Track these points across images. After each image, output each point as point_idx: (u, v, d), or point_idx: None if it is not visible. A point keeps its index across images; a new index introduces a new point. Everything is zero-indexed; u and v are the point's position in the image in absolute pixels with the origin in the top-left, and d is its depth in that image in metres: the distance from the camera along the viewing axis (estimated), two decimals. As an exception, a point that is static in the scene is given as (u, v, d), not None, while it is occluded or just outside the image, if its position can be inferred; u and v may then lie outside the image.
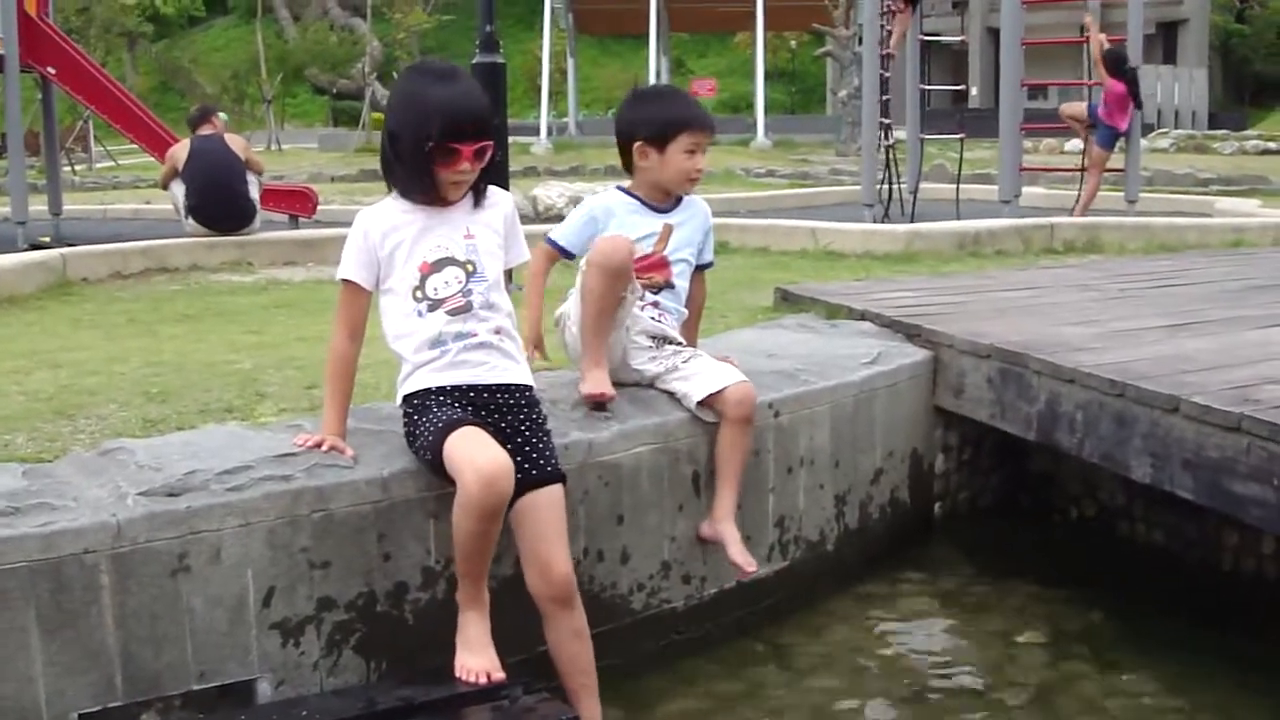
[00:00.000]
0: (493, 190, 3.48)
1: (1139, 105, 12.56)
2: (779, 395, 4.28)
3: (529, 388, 3.40)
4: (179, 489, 3.02)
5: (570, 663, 3.29)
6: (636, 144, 3.99)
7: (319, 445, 3.29)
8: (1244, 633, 4.25)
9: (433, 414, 3.21)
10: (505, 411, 3.31)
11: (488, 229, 3.41)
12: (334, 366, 3.38)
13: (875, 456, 4.77)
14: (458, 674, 3.14)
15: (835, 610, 4.35)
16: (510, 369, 3.35)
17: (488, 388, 3.30)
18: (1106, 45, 12.86)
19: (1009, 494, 5.52)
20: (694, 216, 4.18)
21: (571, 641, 3.29)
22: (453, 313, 3.29)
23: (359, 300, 3.37)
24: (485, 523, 3.07)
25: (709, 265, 4.31)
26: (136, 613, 2.93)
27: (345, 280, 3.36)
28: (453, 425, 3.14)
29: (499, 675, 3.14)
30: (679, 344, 4.04)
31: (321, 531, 3.16)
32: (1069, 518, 5.37)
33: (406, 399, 3.32)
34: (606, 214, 4.04)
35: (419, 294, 3.30)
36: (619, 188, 4.16)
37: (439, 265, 3.31)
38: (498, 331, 3.34)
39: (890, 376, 4.82)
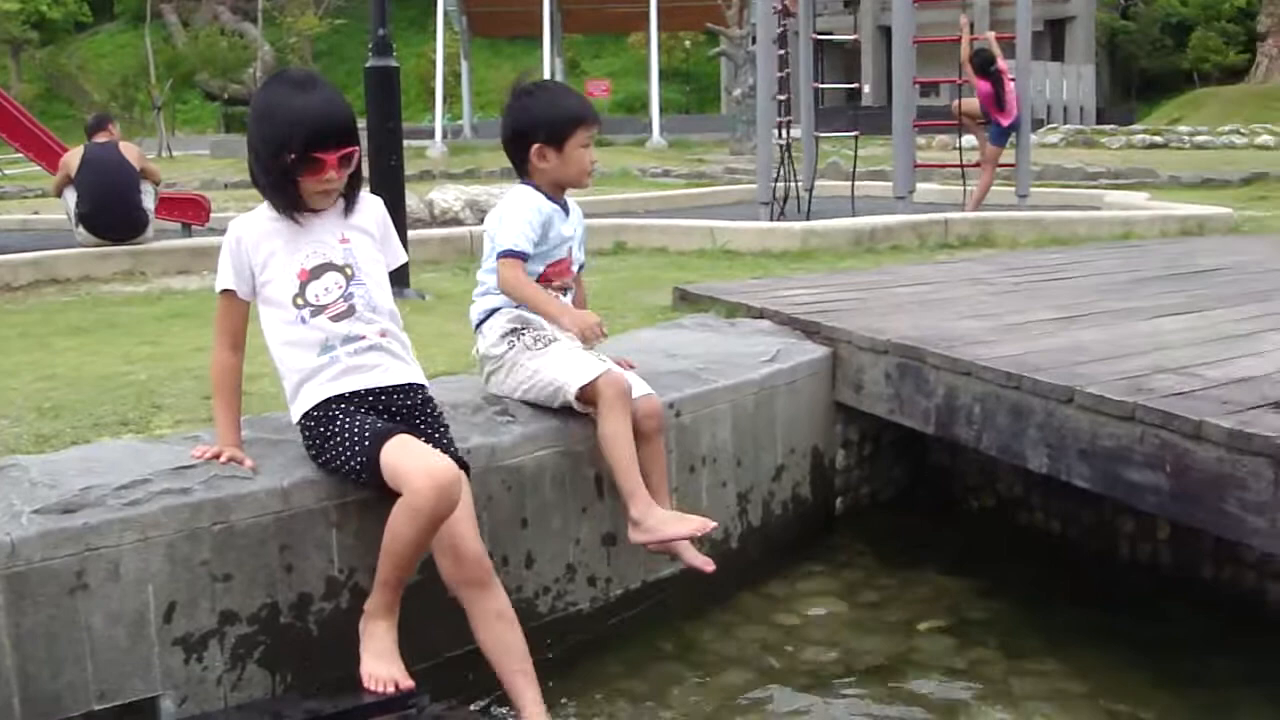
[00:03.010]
0: (363, 194, 3.47)
1: (1001, 107, 12.80)
2: (680, 395, 4.29)
3: (423, 386, 3.42)
4: (75, 505, 2.97)
5: (500, 648, 3.26)
6: (535, 146, 3.96)
7: (217, 457, 3.25)
8: (1142, 615, 4.34)
9: (345, 424, 3.19)
10: (406, 412, 3.32)
11: (362, 233, 3.41)
12: (220, 379, 3.36)
13: (777, 453, 4.80)
14: (365, 684, 3.12)
15: (741, 607, 4.37)
16: (402, 369, 3.36)
17: (385, 390, 3.30)
18: (982, 45, 13.11)
19: (909, 487, 5.58)
20: (579, 218, 4.19)
21: (496, 624, 3.26)
22: (336, 318, 3.28)
23: (238, 310, 3.36)
24: (431, 528, 3.08)
25: (582, 266, 4.28)
26: (33, 633, 2.88)
27: (223, 291, 3.34)
28: (385, 434, 3.14)
29: (407, 683, 3.12)
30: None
31: (222, 544, 3.12)
32: (969, 509, 5.44)
33: (306, 415, 3.29)
34: (547, 213, 3.99)
35: (299, 301, 3.28)
36: (533, 187, 4.04)
37: (317, 271, 3.30)
38: (383, 334, 3.34)
39: (790, 374, 4.86)
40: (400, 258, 3.59)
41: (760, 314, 5.61)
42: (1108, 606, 4.42)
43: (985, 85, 12.74)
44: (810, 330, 5.28)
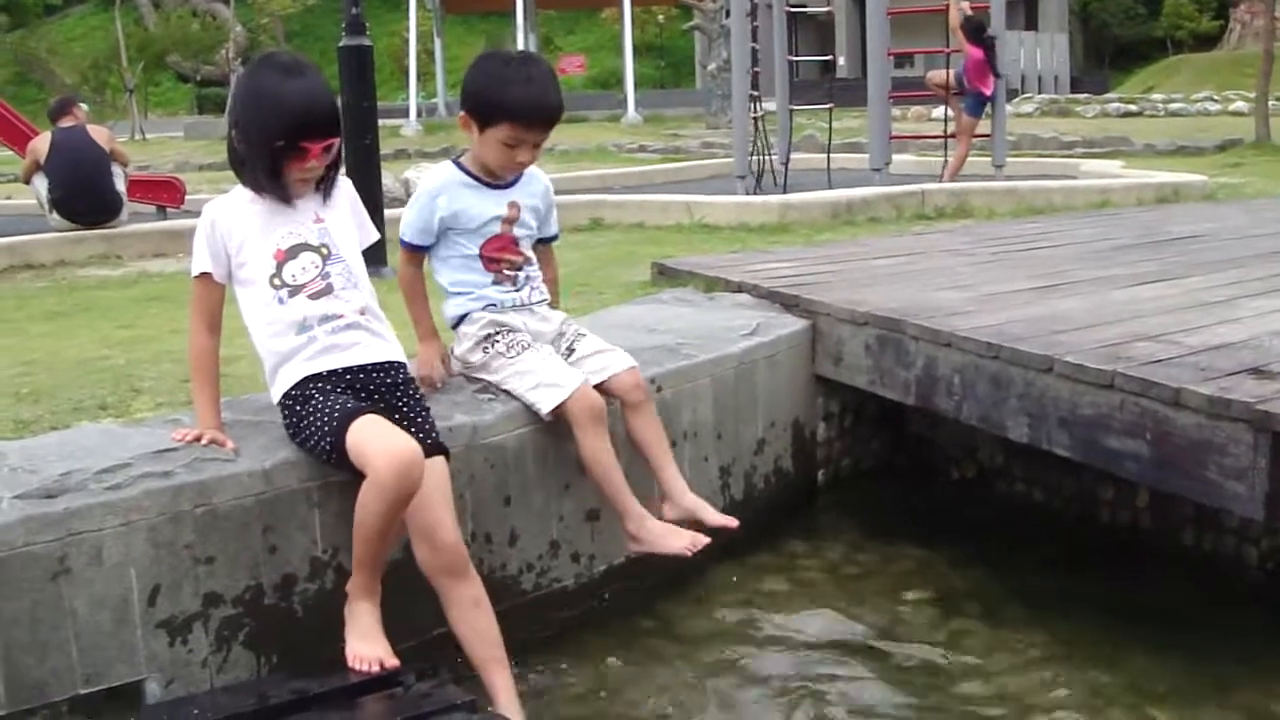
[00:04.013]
0: (338, 181, 3.47)
1: (997, 74, 12.74)
2: (660, 370, 4.30)
3: (403, 364, 3.40)
4: (56, 490, 2.96)
5: (475, 635, 3.27)
6: (462, 114, 3.77)
7: (198, 439, 3.24)
8: (1124, 582, 4.37)
9: (320, 403, 3.18)
10: (385, 391, 3.31)
11: (335, 211, 3.41)
12: (198, 362, 3.35)
13: (758, 427, 4.81)
14: (350, 663, 3.12)
15: (724, 580, 4.38)
16: (382, 347, 3.35)
17: (363, 368, 3.29)
18: (968, 12, 13.04)
19: (890, 458, 5.60)
20: (534, 190, 3.94)
21: (471, 612, 3.27)
22: (314, 296, 3.27)
23: (214, 293, 3.35)
24: (396, 509, 3.07)
25: (554, 238, 4.11)
26: (17, 618, 2.87)
27: (198, 275, 3.33)
28: (352, 414, 3.13)
29: (392, 662, 3.12)
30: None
31: (205, 526, 3.11)
32: (950, 479, 5.46)
33: (286, 395, 3.28)
34: (439, 193, 3.81)
35: (276, 281, 3.27)
36: (454, 161, 3.91)
37: (293, 251, 3.30)
38: (362, 311, 3.32)
39: (770, 347, 4.86)
40: (372, 236, 3.58)
41: (739, 288, 5.61)
42: (1089, 574, 4.44)
43: (977, 52, 12.66)
44: (789, 303, 5.28)
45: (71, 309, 6.93)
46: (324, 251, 3.32)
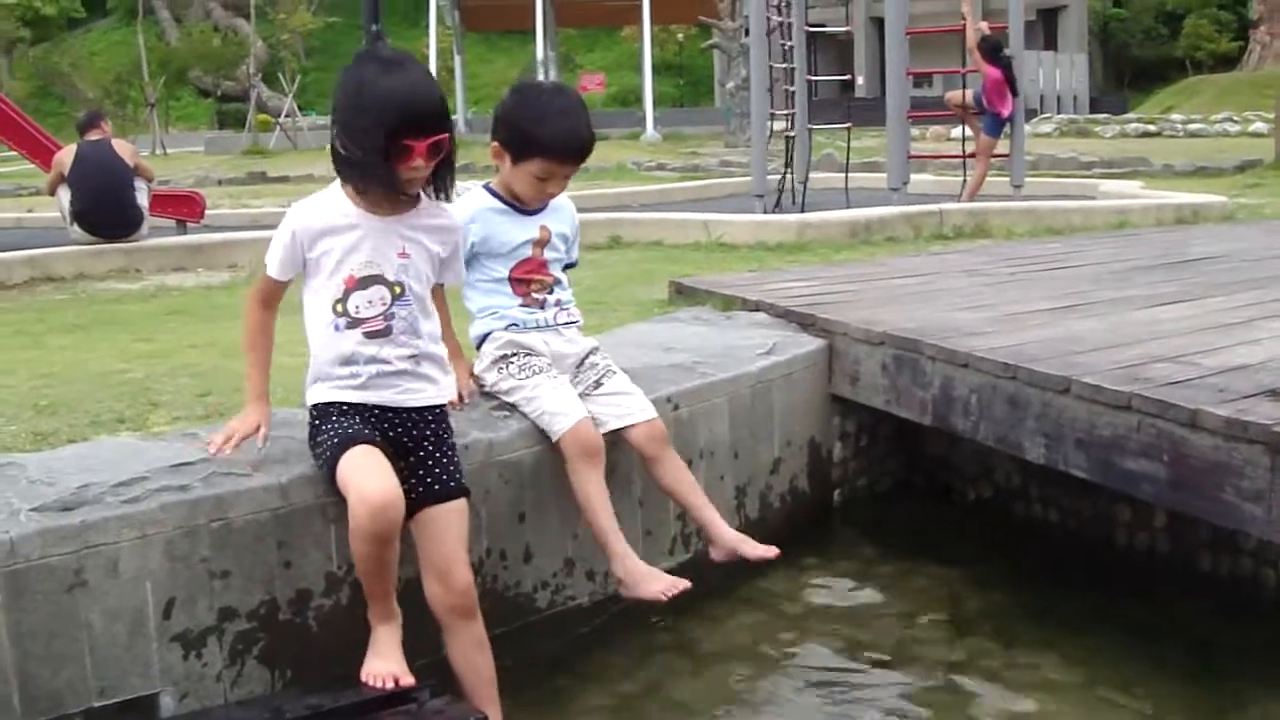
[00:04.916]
0: (447, 209, 3.35)
1: (1015, 92, 12.75)
2: (677, 389, 4.30)
3: (439, 408, 3.34)
4: (73, 503, 2.97)
5: (472, 673, 3.26)
6: (495, 143, 3.79)
7: (228, 440, 3.25)
8: (1139, 605, 4.34)
9: (334, 424, 3.17)
10: (410, 427, 3.26)
11: (423, 250, 3.26)
12: (253, 336, 3.29)
13: (774, 446, 4.81)
14: (365, 679, 3.12)
15: (739, 599, 4.37)
16: (422, 392, 3.28)
17: (396, 410, 3.24)
18: (985, 32, 13.05)
19: (906, 479, 5.58)
20: (562, 217, 3.99)
21: (473, 651, 3.26)
22: (369, 335, 3.19)
23: (278, 288, 3.28)
24: (377, 547, 3.04)
25: (573, 265, 4.14)
26: (33, 631, 2.88)
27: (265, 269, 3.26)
28: (347, 442, 3.09)
29: (407, 680, 3.11)
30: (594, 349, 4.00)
31: (221, 541, 3.12)
32: (966, 500, 5.44)
33: (314, 404, 3.27)
34: (472, 220, 3.80)
35: (339, 308, 3.18)
36: (485, 186, 3.94)
37: (365, 282, 3.18)
38: (413, 357, 3.24)
39: (786, 366, 4.86)
40: (457, 280, 3.50)
41: (756, 307, 5.61)
42: (1105, 596, 4.42)
43: (995, 72, 12.67)
44: (806, 323, 5.28)
45: (91, 322, 6.95)
46: (396, 290, 3.20)
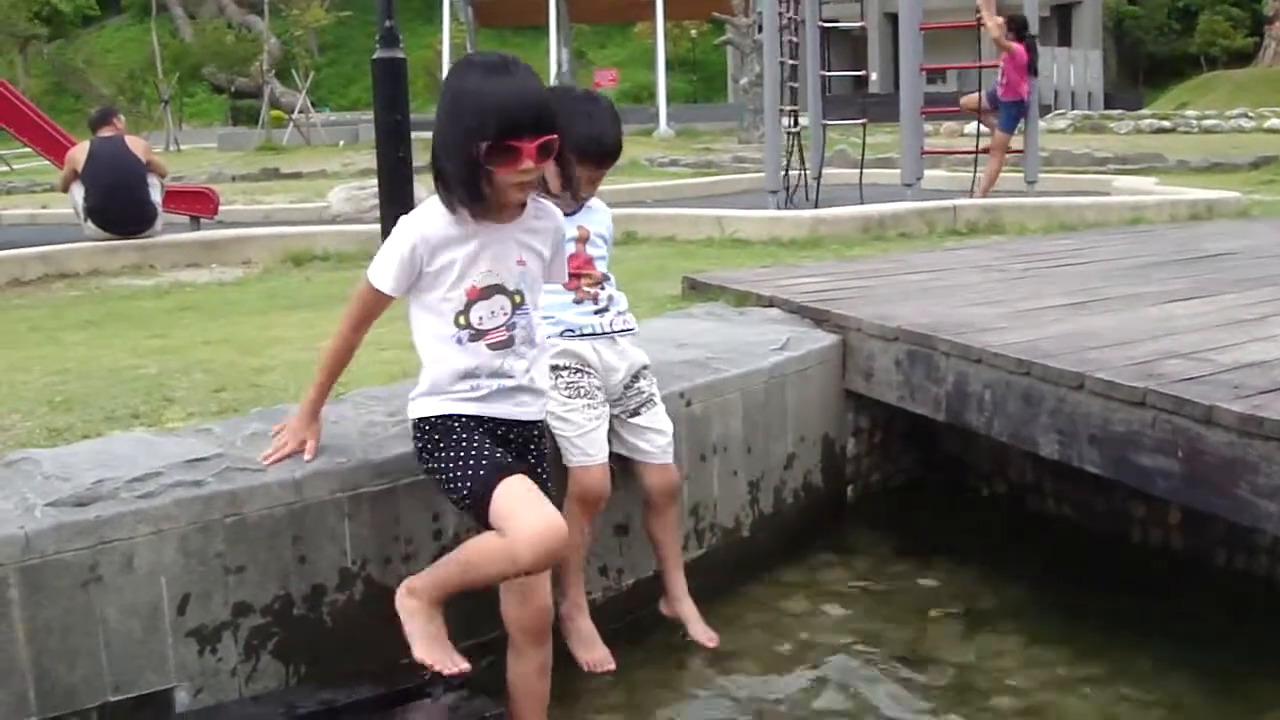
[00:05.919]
0: (547, 207, 3.25)
1: (1034, 71, 12.71)
2: (690, 384, 4.30)
3: (543, 421, 3.33)
4: (88, 498, 2.98)
5: (529, 697, 3.22)
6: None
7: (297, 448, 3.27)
8: (1153, 600, 4.34)
9: (464, 442, 3.07)
10: (521, 444, 3.20)
11: (536, 256, 3.18)
12: (335, 356, 3.23)
13: (787, 441, 4.80)
14: (429, 665, 3.02)
15: (752, 596, 4.38)
16: (536, 406, 3.24)
17: (515, 424, 3.18)
18: (1003, 21, 13.00)
19: (920, 474, 5.58)
20: (599, 219, 4.00)
21: (535, 677, 3.22)
22: (493, 347, 3.10)
23: (381, 304, 3.15)
24: (518, 577, 3.00)
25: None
26: (48, 626, 2.89)
27: (375, 286, 3.11)
28: (502, 472, 2.99)
29: (464, 666, 3.04)
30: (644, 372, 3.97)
31: (235, 536, 3.12)
32: (980, 495, 5.44)
33: (425, 418, 3.15)
34: None
35: (462, 320, 3.08)
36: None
37: (488, 292, 3.08)
38: (528, 371, 3.18)
39: (800, 362, 4.85)
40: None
41: (770, 302, 5.61)
42: (1120, 592, 4.42)
43: (1021, 49, 12.59)
44: (820, 318, 5.27)
45: (105, 318, 6.96)
46: (516, 299, 3.12)
